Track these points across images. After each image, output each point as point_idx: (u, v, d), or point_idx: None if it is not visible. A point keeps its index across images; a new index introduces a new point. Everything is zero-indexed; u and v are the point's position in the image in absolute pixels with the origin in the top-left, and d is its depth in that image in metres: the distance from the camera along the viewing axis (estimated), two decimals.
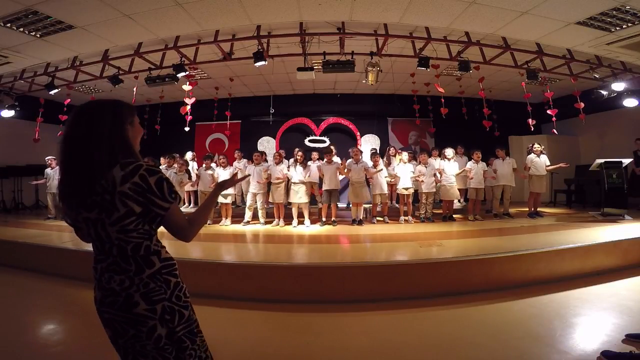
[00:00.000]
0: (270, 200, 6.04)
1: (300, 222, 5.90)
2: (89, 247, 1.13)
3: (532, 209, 6.25)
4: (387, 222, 6.14)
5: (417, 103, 7.82)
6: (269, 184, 6.04)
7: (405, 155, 6.35)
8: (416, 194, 6.38)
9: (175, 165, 6.36)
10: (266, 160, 6.50)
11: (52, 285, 3.78)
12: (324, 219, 5.89)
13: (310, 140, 9.12)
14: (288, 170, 6.00)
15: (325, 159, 6.01)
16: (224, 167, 6.14)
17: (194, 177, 6.60)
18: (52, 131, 7.75)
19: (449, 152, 6.24)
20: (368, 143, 9.35)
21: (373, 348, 2.37)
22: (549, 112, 6.75)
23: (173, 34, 5.26)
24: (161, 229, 1.17)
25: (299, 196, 5.80)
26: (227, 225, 6.01)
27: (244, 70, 7.10)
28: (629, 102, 6.76)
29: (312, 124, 9.37)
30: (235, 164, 6.70)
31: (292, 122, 9.38)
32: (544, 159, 6.26)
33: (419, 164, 6.28)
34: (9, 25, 4.53)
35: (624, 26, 4.70)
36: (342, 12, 4.70)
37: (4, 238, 4.73)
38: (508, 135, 9.27)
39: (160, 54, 5.89)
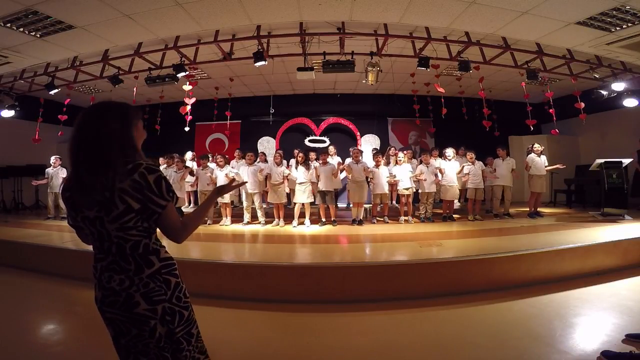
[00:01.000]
0: (269, 200, 6.04)
1: (301, 222, 5.90)
2: (89, 247, 1.14)
3: (533, 209, 6.26)
4: (387, 222, 6.14)
5: (417, 103, 7.81)
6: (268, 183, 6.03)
7: (401, 155, 6.35)
8: (416, 194, 6.38)
9: (174, 165, 6.36)
10: (266, 161, 6.49)
11: (52, 285, 3.78)
12: (323, 219, 5.89)
13: (310, 140, 9.12)
14: (289, 171, 5.99)
15: (320, 160, 6.00)
16: (221, 167, 6.13)
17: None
18: (52, 131, 7.75)
19: (449, 152, 6.24)
20: (368, 143, 9.34)
21: (373, 348, 2.37)
22: (550, 112, 6.75)
23: (173, 34, 5.26)
24: None
25: (306, 195, 5.80)
26: (227, 225, 6.01)
27: (244, 70, 7.10)
28: (629, 102, 6.77)
29: (312, 124, 9.37)
30: (232, 163, 6.71)
31: (292, 122, 9.38)
32: (544, 159, 6.27)
33: (420, 163, 6.28)
34: (9, 25, 4.53)
35: (624, 26, 4.69)
36: (342, 12, 4.70)
37: (4, 238, 4.73)
38: (508, 135, 9.27)
39: (160, 54, 5.89)
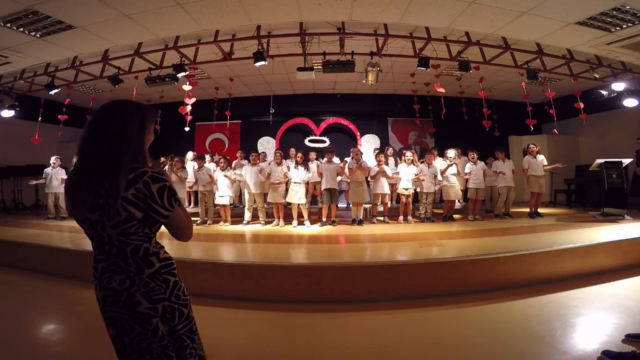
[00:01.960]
0: (269, 200, 6.03)
1: (300, 223, 5.90)
2: (89, 247, 1.14)
3: (533, 209, 6.26)
4: (387, 222, 6.14)
5: (417, 103, 7.83)
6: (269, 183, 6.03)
7: (409, 154, 6.33)
8: (416, 194, 6.38)
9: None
10: (265, 161, 6.49)
11: (52, 285, 3.78)
12: (324, 219, 5.89)
13: (310, 140, 9.12)
14: (288, 171, 5.99)
15: (325, 158, 6.00)
16: (223, 169, 6.11)
17: (191, 175, 6.61)
18: (52, 131, 7.75)
19: (451, 152, 6.21)
20: (368, 143, 9.34)
21: (373, 348, 2.37)
22: (550, 112, 6.75)
23: (173, 34, 5.26)
24: (161, 229, 1.17)
25: (298, 197, 5.80)
26: (227, 226, 6.01)
27: (244, 70, 7.10)
28: (629, 102, 6.77)
29: (312, 124, 9.37)
30: (234, 163, 6.72)
31: (292, 122, 9.38)
32: (542, 159, 6.26)
33: (422, 163, 6.28)
34: (9, 25, 4.53)
35: (624, 26, 4.70)
36: (342, 12, 4.70)
37: (4, 238, 4.73)
38: (508, 135, 9.27)
39: (160, 54, 5.89)
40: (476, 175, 6.20)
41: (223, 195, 6.06)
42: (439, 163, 6.45)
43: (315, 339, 2.54)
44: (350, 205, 6.31)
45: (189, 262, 3.43)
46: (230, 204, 6.53)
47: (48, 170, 6.76)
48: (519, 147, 8.88)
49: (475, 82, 7.15)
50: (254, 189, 5.93)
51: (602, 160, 5.79)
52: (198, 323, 1.25)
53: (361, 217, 6.00)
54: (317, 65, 5.97)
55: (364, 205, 6.17)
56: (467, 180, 6.34)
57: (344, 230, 5.48)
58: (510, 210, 6.46)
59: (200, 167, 6.23)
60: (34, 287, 3.73)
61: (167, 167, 6.41)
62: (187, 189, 6.84)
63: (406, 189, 6.16)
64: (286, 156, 7.25)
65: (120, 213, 1.03)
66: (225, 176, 5.99)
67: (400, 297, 3.19)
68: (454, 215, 6.43)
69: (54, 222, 6.38)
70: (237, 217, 6.34)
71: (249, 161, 6.08)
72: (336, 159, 6.35)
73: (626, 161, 5.85)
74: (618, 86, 6.50)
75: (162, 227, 1.17)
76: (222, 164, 6.14)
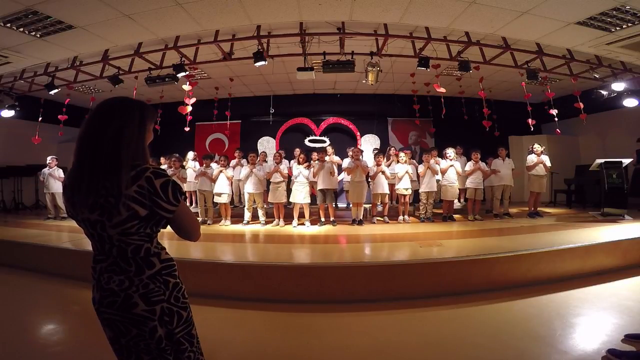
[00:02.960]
0: (270, 200, 6.04)
1: (301, 223, 5.90)
2: (89, 247, 1.13)
3: (532, 209, 6.26)
4: (387, 222, 6.14)
5: (417, 103, 7.82)
6: (268, 183, 6.04)
7: (402, 155, 6.34)
8: (416, 194, 6.38)
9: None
10: (266, 160, 6.50)
11: (52, 285, 3.78)
12: (323, 219, 5.89)
13: (310, 140, 9.12)
14: (289, 167, 5.99)
15: (318, 159, 6.00)
16: (224, 167, 6.11)
17: (191, 176, 6.60)
18: (52, 131, 7.75)
19: (450, 152, 6.23)
20: (368, 143, 9.35)
21: (373, 348, 2.37)
22: (551, 112, 6.75)
23: (173, 34, 5.26)
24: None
25: (303, 196, 5.80)
26: (227, 225, 6.01)
27: (244, 70, 7.10)
28: (629, 102, 6.76)
29: (312, 124, 9.37)
30: (232, 163, 6.72)
31: (292, 122, 9.38)
32: (545, 159, 6.26)
33: (420, 163, 6.28)
34: (9, 25, 4.53)
35: (624, 26, 4.69)
36: (342, 12, 4.70)
37: (4, 238, 4.73)
38: (508, 135, 9.27)
39: (160, 54, 5.89)
40: (475, 175, 6.21)
41: (220, 192, 6.05)
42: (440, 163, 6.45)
43: (315, 339, 2.54)
44: (350, 205, 6.31)
45: (189, 262, 3.43)
46: (230, 203, 6.54)
47: (45, 170, 6.76)
48: (519, 147, 8.91)
49: (475, 82, 7.15)
50: (253, 189, 5.92)
51: (602, 160, 5.79)
52: (197, 323, 1.24)
53: (361, 217, 6.00)
54: (317, 65, 5.97)
55: (364, 205, 6.17)
56: (466, 179, 6.35)
57: (344, 230, 5.48)
58: (510, 210, 6.46)
59: (207, 166, 6.22)
60: (34, 287, 3.73)
61: (165, 166, 6.43)
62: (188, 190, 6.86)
63: (405, 189, 6.16)
64: (291, 156, 7.26)
65: (122, 212, 1.01)
66: (221, 172, 5.99)
67: (400, 297, 3.19)
68: (454, 215, 6.43)
69: (54, 222, 6.38)
70: (237, 217, 6.35)
71: (248, 162, 6.09)
72: (335, 159, 6.36)
73: (626, 161, 5.85)
74: (618, 86, 6.50)
75: (162, 227, 1.15)
76: (222, 162, 6.14)
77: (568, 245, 3.73)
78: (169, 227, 1.16)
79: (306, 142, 9.07)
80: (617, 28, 4.76)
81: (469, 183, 6.26)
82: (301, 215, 5.96)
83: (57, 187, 6.58)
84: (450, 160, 6.20)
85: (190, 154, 7.78)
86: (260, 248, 4.69)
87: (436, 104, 7.76)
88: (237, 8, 4.51)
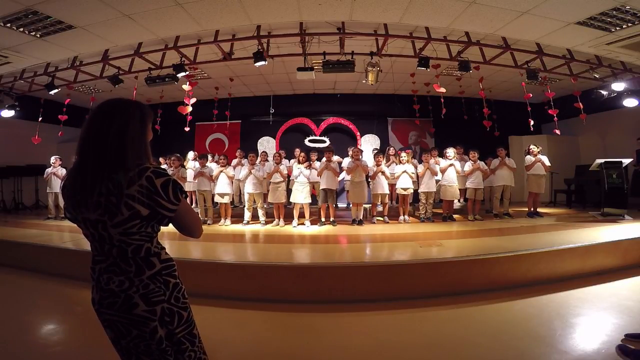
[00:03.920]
0: (270, 200, 6.04)
1: (301, 223, 5.90)
2: (89, 247, 1.12)
3: (532, 209, 6.26)
4: (387, 222, 6.14)
5: (417, 103, 7.83)
6: (268, 183, 6.04)
7: (404, 155, 6.35)
8: (416, 194, 6.38)
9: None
10: (266, 160, 6.50)
11: (52, 285, 3.78)
12: (323, 219, 5.89)
13: (310, 140, 9.12)
14: (289, 166, 6.00)
15: (325, 159, 6.01)
16: (223, 166, 6.11)
17: (191, 176, 6.60)
18: (52, 131, 7.75)
19: (450, 152, 6.23)
20: (368, 143, 9.35)
21: (373, 348, 2.37)
22: (550, 112, 6.75)
23: (173, 34, 5.26)
24: (161, 229, 1.17)
25: (304, 196, 5.80)
26: (227, 225, 6.01)
27: (244, 70, 7.10)
28: (629, 102, 6.77)
29: (312, 124, 9.37)
30: (234, 162, 6.73)
31: (292, 122, 9.38)
32: (544, 159, 6.26)
33: (420, 163, 6.28)
34: (9, 25, 4.53)
35: (624, 26, 4.70)
36: (342, 12, 4.70)
37: (4, 238, 4.73)
38: (508, 135, 9.27)
39: (160, 54, 5.89)
40: (475, 175, 6.21)
41: (222, 192, 6.05)
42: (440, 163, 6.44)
43: (315, 339, 2.54)
44: (350, 205, 6.31)
45: (189, 262, 3.43)
46: (230, 202, 6.54)
47: (49, 170, 6.76)
48: (519, 147, 8.90)
49: (475, 82, 7.15)
50: (253, 189, 5.92)
51: (602, 160, 5.79)
52: (198, 323, 1.24)
53: (361, 217, 6.00)
54: (317, 65, 5.97)
55: (364, 205, 6.17)
56: (466, 180, 6.35)
57: (344, 230, 5.48)
58: (510, 210, 6.46)
59: (203, 166, 6.24)
60: (34, 287, 3.73)
61: (165, 166, 6.43)
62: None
63: (405, 189, 6.16)
64: (291, 156, 7.26)
65: (123, 211, 1.02)
66: (222, 171, 5.99)
67: (400, 297, 3.19)
68: (454, 215, 6.43)
69: (54, 222, 6.38)
70: (237, 217, 6.34)
71: (249, 162, 6.09)
72: (335, 159, 6.36)
73: (626, 161, 5.85)
74: (618, 86, 6.50)
75: (162, 227, 1.15)
76: (222, 161, 6.14)
77: (568, 245, 3.73)
78: (169, 227, 1.16)
79: (306, 142, 9.06)
80: (617, 28, 4.76)
81: (469, 183, 6.26)
82: (301, 215, 5.96)
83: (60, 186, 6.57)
84: (450, 160, 6.21)
85: (191, 154, 7.79)
86: (261, 248, 4.69)
87: (436, 104, 7.76)
88: (237, 8, 4.51)
